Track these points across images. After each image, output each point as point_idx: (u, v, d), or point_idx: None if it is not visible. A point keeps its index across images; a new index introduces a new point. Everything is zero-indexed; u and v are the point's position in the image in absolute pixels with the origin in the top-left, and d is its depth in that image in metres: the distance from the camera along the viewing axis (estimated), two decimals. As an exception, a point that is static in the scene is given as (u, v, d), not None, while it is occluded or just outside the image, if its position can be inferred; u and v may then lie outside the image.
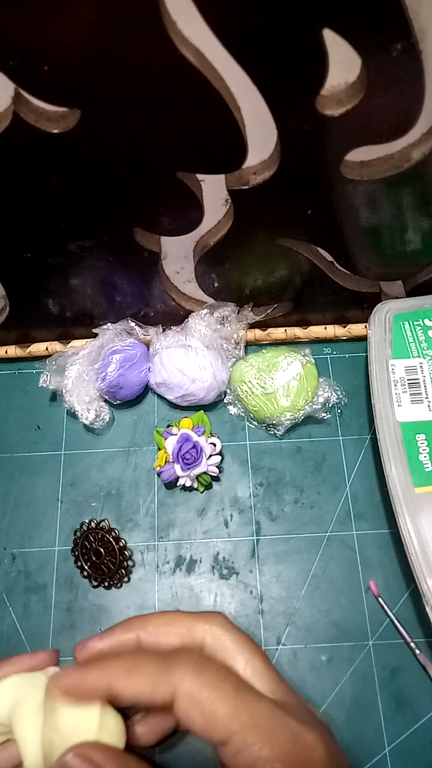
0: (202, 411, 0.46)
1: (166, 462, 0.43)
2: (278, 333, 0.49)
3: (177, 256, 0.41)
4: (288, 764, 0.22)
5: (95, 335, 0.47)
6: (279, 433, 0.46)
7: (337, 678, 0.40)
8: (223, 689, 0.22)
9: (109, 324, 0.47)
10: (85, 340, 0.48)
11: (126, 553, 0.43)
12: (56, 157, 0.32)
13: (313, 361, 0.46)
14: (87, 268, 0.42)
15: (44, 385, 0.46)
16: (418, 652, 0.39)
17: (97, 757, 0.22)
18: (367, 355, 0.45)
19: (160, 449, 0.44)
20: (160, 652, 0.24)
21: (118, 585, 0.43)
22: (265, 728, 0.22)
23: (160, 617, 0.27)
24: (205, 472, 0.43)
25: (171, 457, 0.43)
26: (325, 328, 0.49)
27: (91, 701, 0.24)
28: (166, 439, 0.44)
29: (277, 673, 0.25)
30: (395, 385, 0.42)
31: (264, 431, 0.47)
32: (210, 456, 0.43)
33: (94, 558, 0.43)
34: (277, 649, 0.41)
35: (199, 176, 0.34)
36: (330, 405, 0.46)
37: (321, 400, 0.45)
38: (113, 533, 0.43)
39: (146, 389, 0.48)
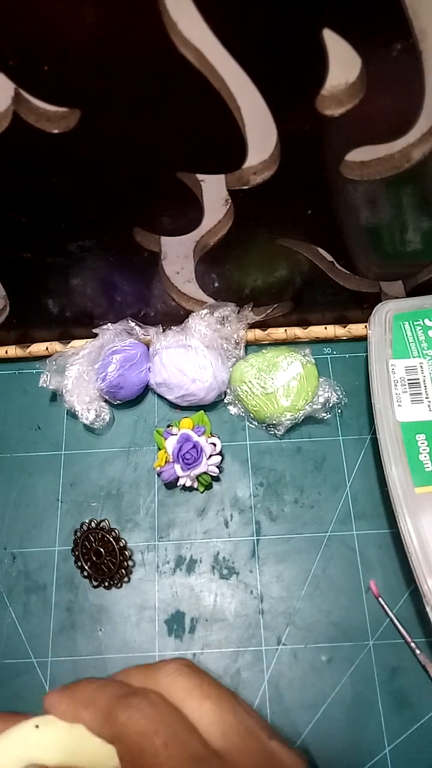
0: (202, 411, 0.46)
1: (166, 462, 0.43)
2: (278, 333, 0.49)
3: (177, 256, 0.41)
4: None
5: (95, 335, 0.47)
6: (279, 433, 0.46)
7: (337, 678, 0.40)
8: (160, 738, 0.21)
9: (109, 324, 0.47)
10: (85, 340, 0.48)
11: (126, 553, 0.43)
12: (56, 158, 0.32)
13: (314, 361, 0.46)
14: (87, 268, 0.42)
15: (44, 385, 0.46)
16: (418, 652, 0.39)
17: None
18: (367, 355, 0.45)
19: (160, 449, 0.44)
20: (125, 687, 0.24)
21: (119, 585, 0.43)
22: None
23: (123, 673, 0.26)
24: (205, 472, 0.43)
25: (171, 457, 0.43)
26: (325, 328, 0.49)
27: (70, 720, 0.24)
28: (166, 439, 0.44)
29: (233, 717, 0.23)
30: (395, 385, 0.42)
31: (264, 431, 0.47)
32: (210, 456, 0.43)
33: (94, 558, 0.43)
34: (277, 649, 0.41)
35: (199, 176, 0.34)
36: (330, 405, 0.46)
37: (321, 400, 0.45)
38: (113, 533, 0.43)
39: (146, 389, 0.48)
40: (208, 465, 0.43)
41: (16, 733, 0.23)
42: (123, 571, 0.42)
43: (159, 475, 0.45)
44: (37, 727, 0.23)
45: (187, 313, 0.47)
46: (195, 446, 0.43)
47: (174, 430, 0.44)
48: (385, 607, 0.41)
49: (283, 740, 0.24)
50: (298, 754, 0.24)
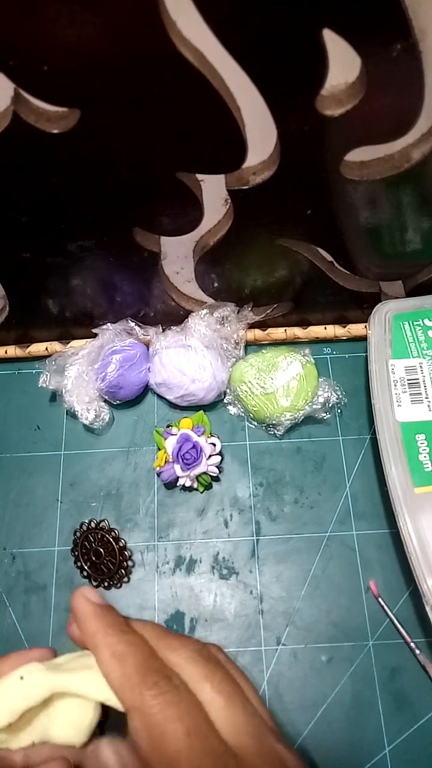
0: (201, 411, 0.46)
1: (165, 462, 0.43)
2: (278, 333, 0.49)
3: (177, 256, 0.41)
4: None
5: (95, 335, 0.47)
6: (279, 433, 0.46)
7: (337, 678, 0.40)
8: (181, 728, 0.21)
9: (108, 324, 0.47)
10: (85, 340, 0.48)
11: (126, 553, 0.43)
12: (56, 157, 0.32)
13: (313, 361, 0.46)
14: (87, 268, 0.42)
15: (44, 386, 0.46)
16: (418, 652, 0.39)
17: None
18: (366, 355, 0.45)
19: (159, 449, 0.44)
20: (153, 656, 0.24)
21: (118, 585, 0.43)
22: None
23: (154, 629, 0.26)
24: (204, 472, 0.43)
25: (171, 457, 0.43)
26: (325, 328, 0.49)
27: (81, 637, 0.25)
28: (165, 439, 0.44)
29: (247, 715, 0.23)
30: (395, 385, 0.42)
31: (264, 431, 0.47)
32: (210, 456, 0.43)
33: (93, 558, 0.43)
34: (277, 649, 0.41)
35: (199, 176, 0.34)
36: (330, 405, 0.46)
37: (321, 400, 0.45)
38: (113, 533, 0.43)
39: (146, 389, 0.48)
40: (207, 465, 0.43)
41: (2, 686, 0.24)
42: (122, 571, 0.42)
43: (159, 475, 0.45)
44: (21, 678, 0.24)
45: (187, 313, 0.47)
46: (195, 446, 0.43)
47: (174, 430, 0.44)
48: (385, 607, 0.41)
49: (287, 742, 0.24)
50: (300, 757, 0.24)
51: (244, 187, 0.35)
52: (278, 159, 0.33)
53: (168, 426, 0.45)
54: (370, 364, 0.44)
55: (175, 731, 0.21)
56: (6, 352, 0.49)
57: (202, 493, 0.45)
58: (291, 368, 0.45)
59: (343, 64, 0.28)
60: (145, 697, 0.22)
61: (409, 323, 0.44)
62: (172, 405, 0.48)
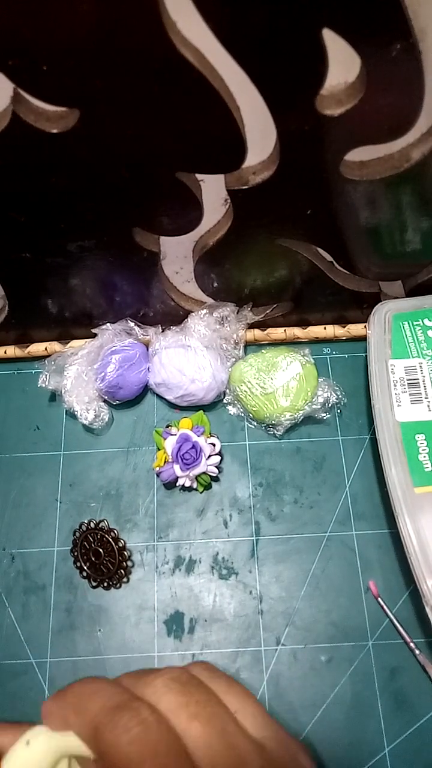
0: (201, 411, 0.46)
1: (165, 462, 0.43)
2: (278, 333, 0.49)
3: (176, 256, 0.41)
4: None
5: (94, 335, 0.47)
6: (278, 433, 0.46)
7: (336, 678, 0.40)
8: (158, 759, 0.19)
9: (108, 324, 0.47)
10: (85, 340, 0.48)
11: (125, 553, 0.43)
12: (55, 157, 0.32)
13: (313, 361, 0.46)
14: (86, 268, 0.42)
15: (43, 386, 0.46)
16: (417, 652, 0.39)
17: None
18: (366, 355, 0.45)
19: (159, 449, 0.44)
20: (116, 693, 0.22)
21: (118, 585, 0.43)
22: None
23: (122, 676, 0.24)
24: (204, 473, 0.43)
25: (170, 457, 0.43)
26: (325, 328, 0.49)
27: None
28: (165, 439, 0.44)
29: (219, 741, 0.21)
30: (395, 385, 0.42)
31: (263, 431, 0.47)
32: (209, 456, 0.43)
33: (93, 558, 0.43)
34: (276, 649, 0.41)
35: (199, 176, 0.34)
36: (329, 405, 0.46)
37: (320, 400, 0.45)
38: (112, 533, 0.43)
39: (145, 389, 0.48)
40: (207, 465, 0.43)
41: (12, 755, 0.23)
42: (122, 571, 0.42)
43: (158, 475, 0.45)
44: (27, 743, 0.23)
45: (187, 313, 0.47)
46: (194, 446, 0.43)
47: (173, 430, 0.44)
48: (385, 607, 0.41)
49: (287, 752, 0.22)
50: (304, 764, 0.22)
51: (244, 187, 0.35)
52: (278, 159, 0.33)
53: (167, 426, 0.45)
54: (369, 364, 0.44)
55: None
56: (5, 352, 0.49)
57: (201, 493, 0.45)
58: (291, 368, 0.45)
59: (342, 63, 0.28)
60: (106, 738, 0.20)
61: (408, 323, 0.44)
62: (172, 405, 0.48)
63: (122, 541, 0.43)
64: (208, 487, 0.45)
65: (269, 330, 0.49)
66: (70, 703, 0.22)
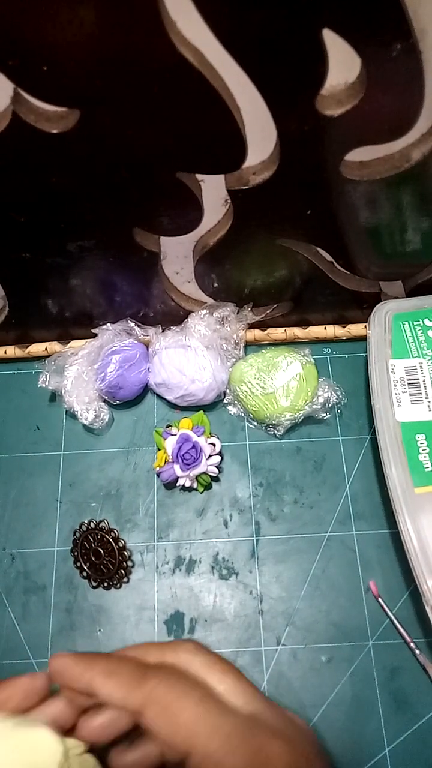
0: (201, 411, 0.46)
1: (165, 462, 0.43)
2: (278, 333, 0.49)
3: (176, 257, 0.41)
4: None
5: (94, 335, 0.47)
6: (279, 433, 0.46)
7: (336, 678, 0.40)
8: (190, 700, 0.24)
9: (108, 324, 0.47)
10: (85, 340, 0.48)
11: (125, 553, 0.43)
12: (55, 157, 0.32)
13: (313, 361, 0.46)
14: (86, 268, 0.42)
15: (43, 386, 0.46)
16: (417, 652, 0.39)
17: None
18: (366, 355, 0.45)
19: (159, 449, 0.44)
20: (141, 663, 0.26)
21: (118, 585, 0.43)
22: (228, 738, 0.23)
23: (134, 649, 0.28)
24: (204, 473, 0.43)
25: (170, 457, 0.43)
26: (325, 328, 0.49)
27: (74, 690, 0.25)
28: (165, 439, 0.44)
29: (251, 687, 0.26)
30: (395, 385, 0.42)
31: (264, 431, 0.47)
32: (209, 456, 0.43)
33: (93, 558, 0.43)
34: (276, 649, 0.41)
35: (199, 176, 0.34)
36: (330, 405, 0.46)
37: (321, 400, 0.45)
38: (113, 533, 0.43)
39: (146, 389, 0.48)
40: (207, 465, 0.43)
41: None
42: (122, 571, 0.42)
43: (158, 475, 0.45)
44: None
45: (187, 314, 0.47)
46: (194, 446, 0.43)
47: (173, 430, 0.44)
48: (385, 607, 0.41)
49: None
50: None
51: (244, 187, 0.35)
52: (278, 159, 0.33)
53: (168, 426, 0.45)
54: (370, 364, 0.44)
55: (186, 703, 0.23)
56: (5, 353, 0.49)
57: (201, 493, 0.45)
58: (291, 368, 0.45)
59: (343, 64, 0.28)
60: (150, 689, 0.24)
61: (409, 323, 0.44)
62: (172, 405, 0.48)
63: (122, 541, 0.43)
64: (208, 487, 0.45)
65: (269, 330, 0.49)
66: (99, 669, 0.25)
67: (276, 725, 0.25)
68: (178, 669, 0.26)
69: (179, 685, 0.24)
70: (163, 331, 0.47)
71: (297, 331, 0.49)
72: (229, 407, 0.47)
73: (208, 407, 0.47)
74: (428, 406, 0.41)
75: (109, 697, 0.24)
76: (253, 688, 0.26)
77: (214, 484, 0.46)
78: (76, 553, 0.43)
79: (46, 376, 0.46)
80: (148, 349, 0.47)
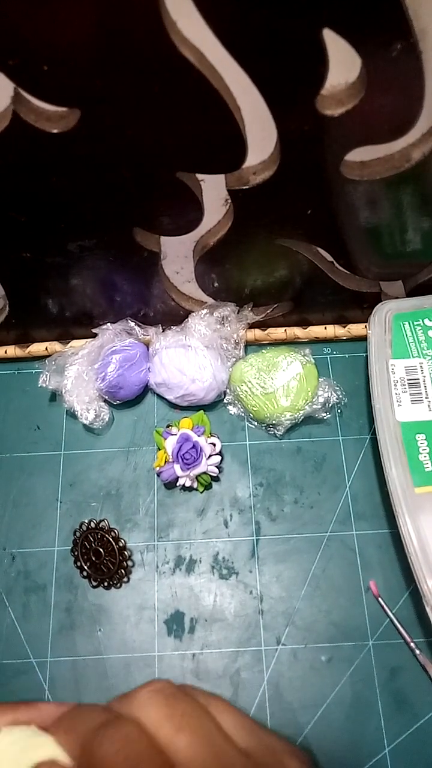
0: (201, 411, 0.46)
1: (165, 462, 0.43)
2: (278, 333, 0.49)
3: (177, 256, 0.41)
4: None
5: (95, 335, 0.47)
6: (279, 433, 0.46)
7: (336, 678, 0.40)
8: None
9: (108, 324, 0.47)
10: (85, 340, 0.48)
11: (126, 553, 0.43)
12: (56, 157, 0.32)
13: (313, 361, 0.46)
14: (87, 268, 0.42)
15: (44, 385, 0.46)
16: (418, 652, 0.39)
17: None
18: (367, 355, 0.45)
19: (159, 449, 0.44)
20: (104, 713, 0.21)
21: (118, 585, 0.43)
22: None
23: (112, 701, 0.23)
24: (204, 472, 0.43)
25: (171, 457, 0.43)
26: (325, 328, 0.49)
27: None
28: (165, 439, 0.44)
29: (208, 751, 0.21)
30: (395, 385, 0.42)
31: (264, 431, 0.47)
32: (210, 456, 0.43)
33: (93, 558, 0.43)
34: (276, 649, 0.41)
35: (199, 176, 0.34)
36: (330, 405, 0.46)
37: (321, 400, 0.45)
38: (113, 533, 0.43)
39: (146, 389, 0.48)
40: (207, 465, 0.43)
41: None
42: (122, 571, 0.42)
43: (158, 475, 0.45)
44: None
45: (187, 313, 0.47)
46: (194, 446, 0.43)
47: (173, 430, 0.44)
48: (385, 607, 0.41)
49: (282, 749, 0.22)
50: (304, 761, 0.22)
51: (244, 187, 0.35)
52: (278, 159, 0.33)
53: (168, 426, 0.45)
54: (370, 364, 0.44)
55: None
56: (6, 352, 0.49)
57: (201, 493, 0.45)
58: (291, 368, 0.45)
59: (343, 64, 0.28)
60: (93, 751, 0.20)
61: (409, 323, 0.44)
62: (172, 405, 0.48)
63: (123, 540, 0.43)
64: (208, 486, 0.45)
65: (270, 330, 0.49)
66: (61, 722, 0.21)
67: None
68: (128, 730, 0.21)
69: (130, 752, 0.20)
70: (164, 330, 0.47)
71: (297, 331, 0.49)
72: (230, 407, 0.47)
73: (208, 407, 0.47)
74: (428, 406, 0.41)
75: (69, 754, 0.21)
76: (210, 753, 0.21)
77: (214, 483, 0.46)
78: (76, 553, 0.43)
79: (47, 375, 0.46)
80: (148, 349, 0.47)
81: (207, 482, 0.45)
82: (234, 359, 0.47)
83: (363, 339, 0.48)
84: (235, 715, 0.22)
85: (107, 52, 0.27)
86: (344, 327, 0.49)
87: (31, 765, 0.21)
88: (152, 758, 0.20)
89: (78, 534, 0.44)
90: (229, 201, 0.36)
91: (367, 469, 0.45)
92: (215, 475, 0.44)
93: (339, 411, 0.47)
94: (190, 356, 0.45)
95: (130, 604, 0.42)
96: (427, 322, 0.44)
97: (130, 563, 0.43)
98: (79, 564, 0.43)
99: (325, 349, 0.50)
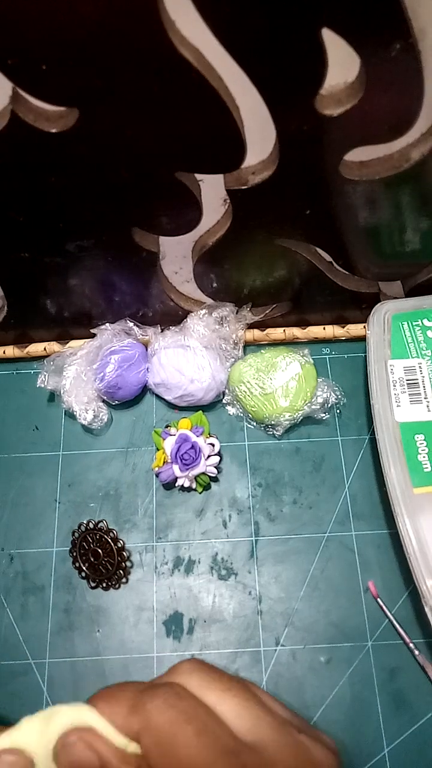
0: (200, 411, 0.46)
1: (164, 462, 0.43)
2: (277, 333, 0.49)
3: (176, 256, 0.41)
4: None
5: (93, 335, 0.47)
6: (278, 433, 0.46)
7: (336, 679, 0.40)
8: (188, 731, 0.21)
9: (107, 324, 0.47)
10: (84, 340, 0.48)
11: (124, 553, 0.43)
12: (54, 157, 0.32)
13: (312, 361, 0.46)
14: (85, 268, 0.42)
15: (42, 386, 0.46)
16: (417, 652, 0.39)
17: (91, 739, 0.21)
18: (365, 356, 0.45)
19: (158, 450, 0.44)
20: (141, 686, 0.23)
21: (117, 586, 0.43)
22: None
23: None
24: (203, 473, 0.43)
25: (169, 457, 0.43)
26: (324, 328, 0.49)
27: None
28: (164, 439, 0.44)
29: (257, 707, 0.23)
30: (394, 386, 0.42)
31: (263, 432, 0.47)
32: (208, 456, 0.43)
33: (92, 559, 0.42)
34: (275, 650, 0.41)
35: (198, 176, 0.34)
36: (329, 405, 0.46)
37: (320, 400, 0.45)
38: (111, 534, 0.43)
39: (144, 389, 0.48)
40: (206, 465, 0.43)
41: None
42: (121, 571, 0.42)
43: (157, 475, 0.44)
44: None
45: (186, 314, 0.46)
46: (193, 447, 0.43)
47: (172, 430, 0.44)
48: (384, 607, 0.41)
49: (314, 733, 0.23)
50: (331, 748, 0.23)
51: (243, 187, 0.35)
52: (277, 159, 0.33)
53: (167, 426, 0.45)
54: (369, 364, 0.44)
55: (184, 733, 0.20)
56: (4, 353, 0.49)
57: (200, 493, 0.45)
58: (290, 368, 0.45)
59: (342, 63, 0.28)
60: (147, 707, 0.21)
61: (408, 323, 0.44)
62: (171, 405, 0.48)
63: (121, 541, 0.43)
64: (207, 487, 0.45)
65: (268, 330, 0.49)
66: (99, 696, 0.23)
67: (284, 759, 0.22)
68: (177, 689, 0.23)
69: (176, 710, 0.21)
70: (162, 331, 0.47)
71: (296, 331, 0.49)
72: (228, 407, 0.47)
73: (207, 407, 0.47)
74: (427, 406, 0.41)
75: (112, 723, 0.22)
76: (259, 708, 0.23)
77: (213, 484, 0.46)
78: (74, 554, 0.43)
79: (45, 376, 0.46)
80: (147, 349, 0.47)
81: (206, 483, 0.45)
82: (233, 359, 0.47)
83: (362, 339, 0.48)
84: (250, 710, 0.23)
85: (106, 52, 0.27)
86: (343, 327, 0.49)
87: (60, 730, 0.22)
88: (203, 712, 0.21)
89: (76, 534, 0.43)
90: (228, 201, 0.36)
91: (366, 469, 0.45)
92: (214, 475, 0.44)
93: (338, 411, 0.47)
94: (189, 356, 0.45)
95: (129, 604, 0.42)
96: (426, 322, 0.44)
97: (128, 564, 0.43)
98: (77, 565, 0.43)
99: (324, 349, 0.50)
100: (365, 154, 0.33)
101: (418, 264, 0.43)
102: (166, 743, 0.20)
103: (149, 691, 0.22)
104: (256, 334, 0.49)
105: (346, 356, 0.50)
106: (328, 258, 0.42)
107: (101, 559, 0.42)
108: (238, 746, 0.21)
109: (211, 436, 0.44)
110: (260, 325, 0.49)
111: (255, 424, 0.47)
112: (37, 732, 0.22)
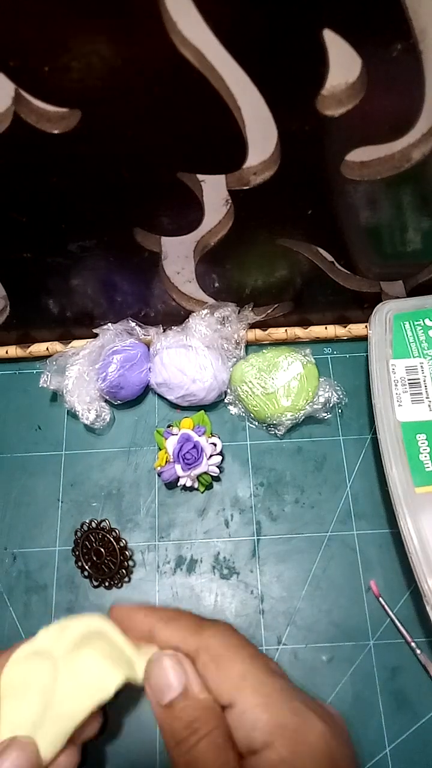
0: (202, 411, 0.46)
1: (166, 462, 0.43)
2: (279, 333, 0.49)
3: (177, 257, 0.41)
4: (285, 730, 0.23)
5: (96, 335, 0.47)
6: (279, 433, 0.46)
7: (337, 678, 0.40)
8: (241, 655, 0.25)
9: (109, 324, 0.47)
10: (86, 340, 0.48)
11: (126, 553, 0.43)
12: (57, 158, 0.32)
13: (314, 361, 0.46)
14: (87, 268, 0.42)
15: (45, 386, 0.46)
16: (418, 651, 0.39)
17: (180, 659, 0.26)
18: (367, 355, 0.45)
19: (160, 449, 0.44)
20: (197, 617, 0.28)
21: (119, 585, 0.43)
22: (270, 696, 0.24)
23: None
24: (205, 472, 0.43)
25: (171, 457, 0.43)
26: (326, 328, 0.49)
27: (135, 635, 0.28)
28: (166, 439, 0.44)
29: (281, 679, 0.26)
30: (396, 385, 0.42)
31: (264, 431, 0.47)
32: (210, 456, 0.43)
33: (94, 558, 0.43)
34: (277, 649, 0.41)
35: (200, 176, 0.34)
36: (330, 405, 0.46)
37: (321, 400, 0.45)
38: (114, 533, 0.43)
39: (147, 389, 0.48)
40: (208, 465, 0.43)
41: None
42: (123, 571, 0.42)
43: (159, 475, 0.45)
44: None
45: (188, 313, 0.47)
46: (195, 446, 0.43)
47: (174, 430, 0.44)
48: (386, 606, 0.41)
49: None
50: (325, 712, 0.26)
51: (245, 188, 0.35)
52: (279, 159, 0.33)
53: (169, 426, 0.45)
54: (370, 364, 0.44)
55: (237, 657, 0.25)
56: (7, 352, 0.49)
57: (202, 493, 0.45)
58: (292, 368, 0.45)
59: (343, 64, 0.28)
60: (204, 638, 0.26)
61: (409, 323, 0.44)
62: (173, 405, 0.48)
63: (123, 540, 0.43)
64: (209, 486, 0.45)
65: (270, 330, 0.49)
66: (158, 616, 0.28)
67: (314, 704, 0.26)
68: (229, 626, 0.27)
69: (232, 640, 0.26)
70: (164, 331, 0.47)
71: (298, 331, 0.49)
72: (230, 407, 0.47)
73: (209, 407, 0.47)
74: (429, 406, 0.41)
75: (167, 641, 0.26)
76: (279, 680, 0.26)
77: (215, 483, 0.46)
78: (77, 553, 0.43)
79: (48, 376, 0.46)
80: (149, 349, 0.47)
81: (208, 482, 0.45)
82: (235, 359, 0.47)
83: (364, 339, 0.48)
84: (257, 699, 0.26)
85: (108, 53, 0.27)
86: (345, 327, 0.49)
87: (77, 633, 0.29)
88: (252, 646, 0.26)
89: (79, 534, 0.44)
90: (230, 201, 0.36)
91: (367, 468, 0.45)
92: (216, 475, 0.44)
93: (340, 411, 0.47)
94: (191, 356, 0.45)
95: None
96: (427, 321, 0.44)
97: (131, 563, 0.43)
98: (80, 564, 0.43)
99: (325, 349, 0.50)
100: (366, 155, 0.33)
101: (419, 264, 0.43)
102: (220, 663, 0.25)
103: (207, 623, 0.27)
104: (258, 333, 0.49)
105: (347, 356, 0.50)
106: (330, 258, 0.42)
107: (104, 559, 0.42)
108: (283, 673, 0.26)
109: (213, 435, 0.44)
110: (262, 325, 0.49)
111: (257, 423, 0.47)
112: (53, 638, 0.29)
